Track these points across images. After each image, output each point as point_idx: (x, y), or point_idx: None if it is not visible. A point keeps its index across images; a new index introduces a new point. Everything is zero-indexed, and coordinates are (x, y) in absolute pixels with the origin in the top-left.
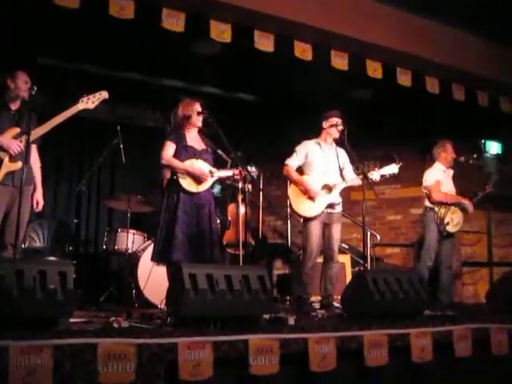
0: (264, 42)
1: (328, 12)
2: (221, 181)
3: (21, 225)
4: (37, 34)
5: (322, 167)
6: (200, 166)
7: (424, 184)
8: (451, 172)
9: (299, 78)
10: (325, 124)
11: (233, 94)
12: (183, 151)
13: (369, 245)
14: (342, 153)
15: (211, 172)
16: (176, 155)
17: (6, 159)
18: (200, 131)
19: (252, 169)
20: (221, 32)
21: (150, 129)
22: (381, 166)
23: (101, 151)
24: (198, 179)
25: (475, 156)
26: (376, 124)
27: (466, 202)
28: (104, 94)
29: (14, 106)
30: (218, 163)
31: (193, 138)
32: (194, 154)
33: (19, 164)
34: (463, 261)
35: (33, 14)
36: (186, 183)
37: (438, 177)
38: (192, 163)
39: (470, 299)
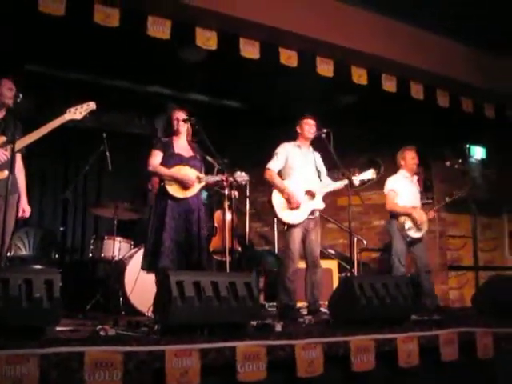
0: (249, 50)
1: (313, 19)
2: (208, 187)
3: (6, 233)
4: (24, 40)
5: (302, 171)
6: (187, 172)
7: (384, 191)
8: (415, 178)
9: (285, 85)
10: (299, 128)
11: (219, 100)
12: (170, 159)
13: (355, 250)
14: (318, 156)
15: (199, 178)
16: (163, 163)
17: None
18: (189, 138)
19: (242, 174)
20: (206, 39)
21: (136, 136)
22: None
23: (86, 158)
24: (184, 185)
25: (460, 161)
26: (361, 130)
27: (416, 216)
28: (92, 105)
29: (0, 114)
30: (210, 170)
31: (180, 146)
32: (181, 160)
33: (5, 173)
34: (449, 264)
35: (19, 20)
36: (173, 189)
37: (395, 186)
38: (178, 170)
39: (455, 303)
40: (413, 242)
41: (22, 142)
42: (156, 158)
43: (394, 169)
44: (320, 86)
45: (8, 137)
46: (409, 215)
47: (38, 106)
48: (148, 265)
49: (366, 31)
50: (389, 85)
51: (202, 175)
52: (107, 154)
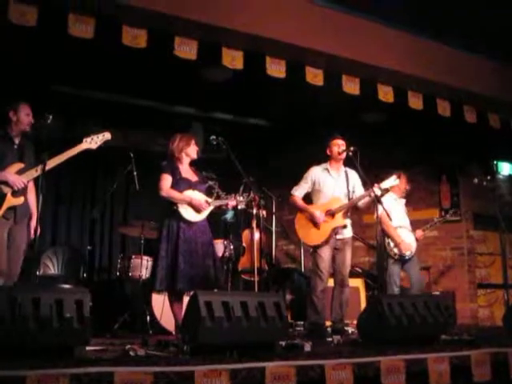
0: (275, 68)
1: (339, 38)
2: (233, 207)
3: (19, 255)
4: (50, 61)
5: (331, 194)
6: (197, 196)
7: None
8: (403, 201)
9: (312, 103)
10: (328, 150)
11: (245, 119)
12: (179, 183)
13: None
14: (353, 174)
15: (207, 202)
16: (173, 187)
17: (9, 194)
18: (191, 163)
19: (240, 198)
20: (232, 59)
21: (162, 155)
22: (392, 189)
23: (113, 177)
24: (197, 209)
25: (488, 178)
26: (389, 147)
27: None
28: (107, 136)
29: (17, 140)
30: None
31: (186, 170)
32: (190, 185)
33: (21, 199)
34: (478, 282)
35: (47, 42)
36: (187, 213)
37: (387, 206)
38: (190, 194)
39: (485, 321)
40: (406, 262)
41: (40, 170)
42: (167, 181)
43: (422, 185)
44: (347, 105)
45: (26, 163)
46: (396, 244)
47: (65, 126)
48: (164, 285)
49: (392, 49)
50: (415, 102)
51: (210, 199)
52: (134, 173)
